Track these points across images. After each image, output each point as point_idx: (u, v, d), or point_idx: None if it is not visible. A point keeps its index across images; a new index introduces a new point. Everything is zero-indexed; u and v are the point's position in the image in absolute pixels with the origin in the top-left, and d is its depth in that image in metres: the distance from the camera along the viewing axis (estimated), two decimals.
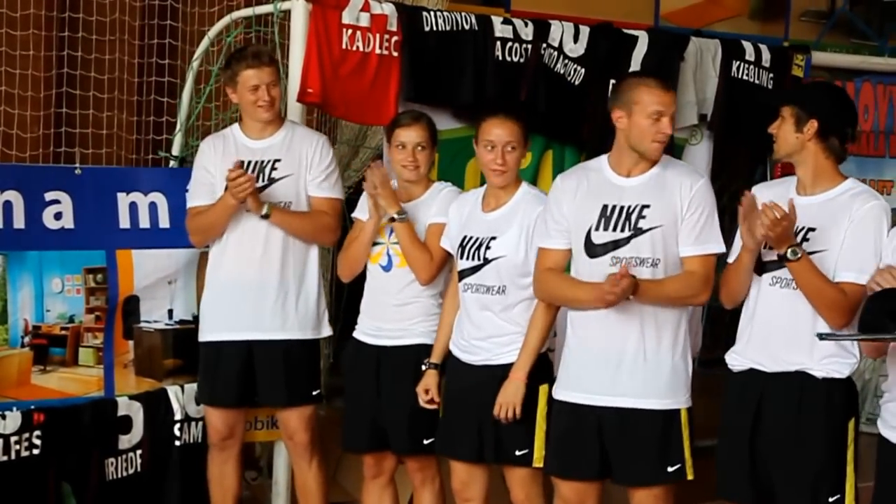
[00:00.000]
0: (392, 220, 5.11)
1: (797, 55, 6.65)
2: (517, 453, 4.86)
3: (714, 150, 6.41)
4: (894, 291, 4.09)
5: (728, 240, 4.70)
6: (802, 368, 4.46)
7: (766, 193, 4.58)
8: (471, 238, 4.94)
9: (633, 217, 4.54)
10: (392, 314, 5.20)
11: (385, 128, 5.41)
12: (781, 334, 4.48)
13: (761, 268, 4.53)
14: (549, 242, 4.68)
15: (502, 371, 4.86)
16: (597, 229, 4.57)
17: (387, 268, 5.21)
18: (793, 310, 4.44)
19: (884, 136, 7.01)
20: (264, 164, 5.40)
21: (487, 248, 4.88)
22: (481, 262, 4.89)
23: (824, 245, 4.42)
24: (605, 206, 4.57)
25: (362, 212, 5.30)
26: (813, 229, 4.45)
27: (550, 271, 4.64)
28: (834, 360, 4.44)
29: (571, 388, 4.66)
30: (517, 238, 4.85)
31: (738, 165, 6.58)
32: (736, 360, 4.63)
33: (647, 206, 4.54)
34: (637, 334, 4.56)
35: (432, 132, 5.23)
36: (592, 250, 4.58)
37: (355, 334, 5.32)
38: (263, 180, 5.37)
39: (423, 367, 5.11)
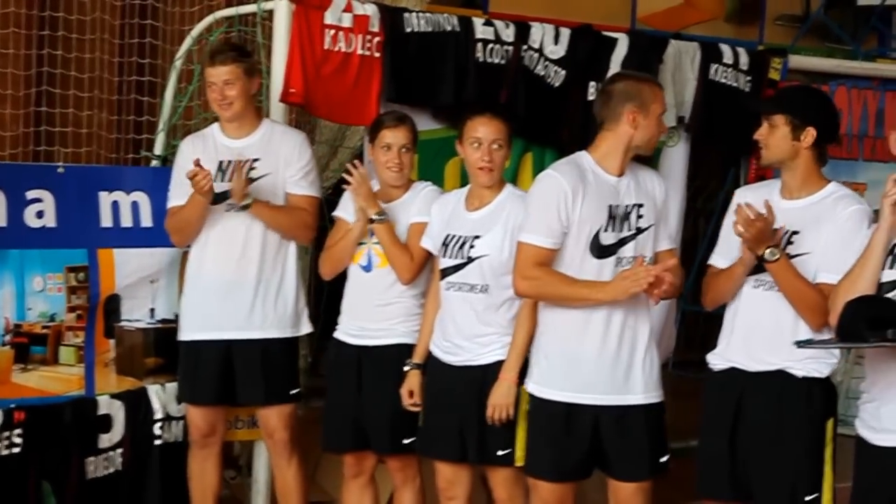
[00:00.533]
0: (371, 220, 5.14)
1: (774, 58, 6.71)
2: (499, 453, 4.88)
3: (691, 152, 6.46)
4: (872, 298, 4.15)
5: (702, 242, 4.77)
6: (783, 367, 4.51)
7: (750, 197, 4.64)
8: (454, 237, 4.97)
9: (633, 217, 4.61)
10: (373, 314, 5.23)
11: (368, 129, 5.44)
12: (763, 335, 4.54)
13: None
14: (543, 241, 4.58)
15: (483, 372, 4.90)
16: (605, 230, 4.59)
17: (367, 268, 5.24)
18: (774, 311, 4.50)
19: (857, 139, 7.08)
20: (242, 163, 5.42)
21: (471, 246, 4.91)
22: (465, 260, 4.92)
23: (808, 248, 4.48)
24: (611, 207, 4.60)
25: (344, 211, 5.33)
26: (797, 232, 4.50)
27: (544, 269, 4.59)
28: (815, 360, 4.50)
29: (555, 386, 4.66)
30: (501, 237, 4.87)
31: (714, 167, 6.63)
32: (716, 359, 4.68)
33: (641, 206, 4.63)
34: (620, 332, 4.61)
35: (415, 134, 5.28)
36: (601, 251, 4.60)
37: (336, 334, 5.35)
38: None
39: (406, 368, 5.13)
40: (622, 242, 4.59)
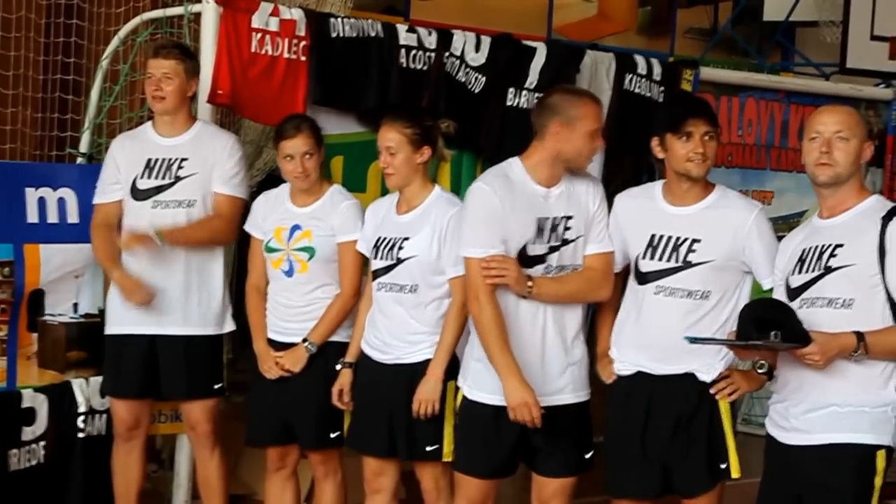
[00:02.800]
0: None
1: (686, 70, 6.84)
2: (428, 449, 4.98)
3: (606, 159, 6.62)
4: (766, 300, 4.31)
5: None
6: (690, 370, 4.66)
7: (630, 204, 4.83)
8: (385, 239, 5.07)
9: (560, 228, 4.71)
10: (296, 315, 5.32)
11: (273, 138, 5.52)
12: (666, 341, 4.64)
13: (642, 277, 4.72)
14: (485, 252, 4.63)
15: (412, 369, 4.98)
16: (533, 243, 4.68)
17: (289, 273, 5.32)
18: (675, 318, 4.62)
19: (765, 149, 7.25)
20: (171, 161, 5.51)
21: (400, 248, 5.00)
22: (394, 262, 5.01)
23: (712, 255, 4.61)
24: (539, 220, 4.68)
25: (253, 226, 5.44)
26: (698, 240, 4.63)
27: (492, 307, 4.59)
28: (722, 363, 4.67)
29: (485, 389, 4.72)
30: (429, 239, 4.96)
31: (628, 174, 6.80)
32: (621, 364, 4.79)
33: (570, 217, 4.72)
34: (551, 333, 4.72)
35: (317, 137, 5.35)
36: (528, 261, 4.68)
37: None
38: (170, 178, 5.49)
39: (338, 367, 5.23)
40: (551, 251, 4.70)
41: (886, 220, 4.21)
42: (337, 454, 5.40)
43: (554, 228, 4.70)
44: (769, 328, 4.10)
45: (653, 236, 4.70)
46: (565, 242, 4.72)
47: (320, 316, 5.28)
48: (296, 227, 5.30)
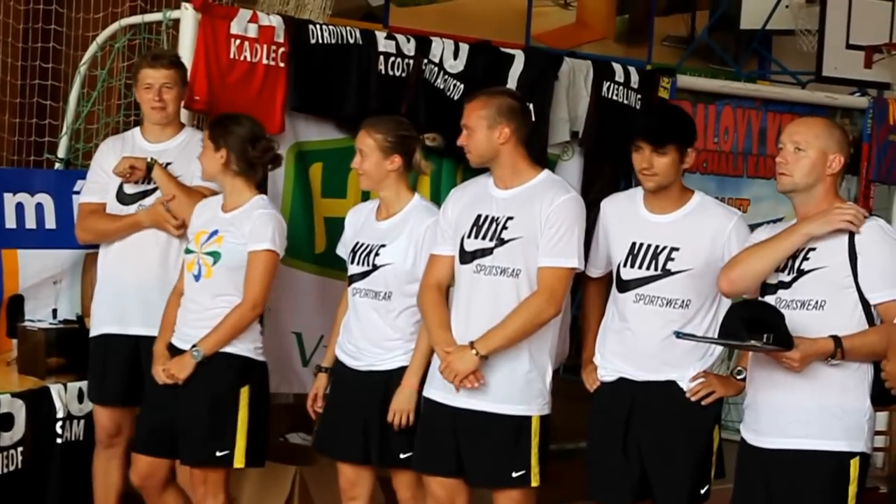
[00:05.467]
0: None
1: (663, 78, 6.87)
2: (402, 456, 4.98)
3: (584, 166, 6.66)
4: (755, 301, 4.34)
5: (588, 253, 4.94)
6: (672, 378, 4.70)
7: (614, 209, 4.89)
8: (362, 245, 5.09)
9: (497, 228, 4.75)
10: (197, 322, 5.13)
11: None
12: (646, 349, 4.70)
13: (623, 285, 4.76)
14: (437, 249, 4.92)
15: (386, 376, 5.00)
16: (469, 237, 4.77)
17: (197, 277, 5.15)
18: (655, 327, 4.67)
19: (742, 156, 7.29)
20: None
21: (377, 254, 5.03)
22: (370, 268, 5.03)
23: (690, 264, 4.65)
24: (479, 217, 4.79)
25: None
26: (676, 249, 4.68)
27: (439, 295, 4.87)
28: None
29: (433, 385, 4.83)
30: (405, 247, 5.00)
31: (606, 181, 6.83)
32: (604, 370, 4.83)
33: (511, 219, 4.75)
34: None
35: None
36: (464, 257, 4.79)
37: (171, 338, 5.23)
38: (153, 182, 5.48)
39: (315, 371, 5.24)
40: (483, 252, 4.75)
41: None
42: (222, 476, 5.15)
43: (491, 225, 4.75)
44: (760, 329, 4.13)
45: (633, 244, 4.73)
46: (502, 242, 4.74)
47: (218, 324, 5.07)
48: (214, 232, 5.16)
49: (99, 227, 5.56)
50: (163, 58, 5.53)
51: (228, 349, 5.06)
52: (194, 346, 5.03)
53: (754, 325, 4.15)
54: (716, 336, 4.51)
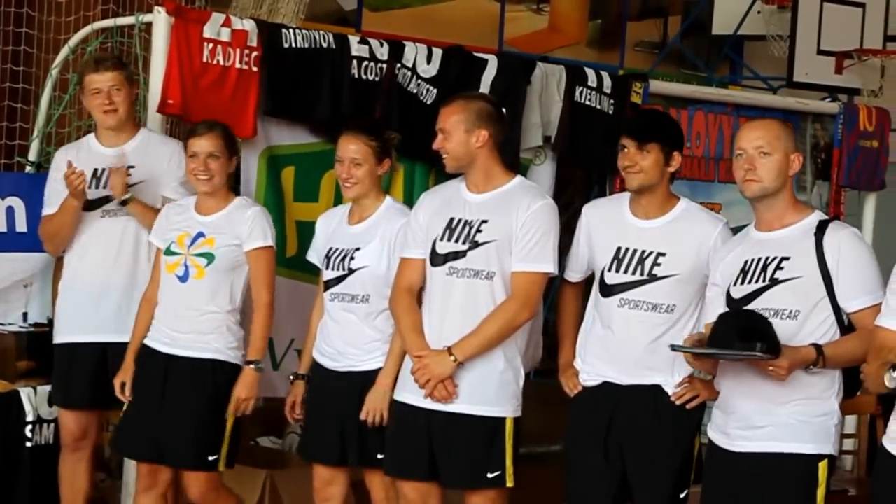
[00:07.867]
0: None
1: (636, 83, 6.89)
2: (379, 457, 4.97)
3: (557, 170, 6.68)
4: (745, 311, 4.32)
5: (563, 258, 4.95)
6: (657, 382, 4.71)
7: (598, 214, 4.89)
8: (336, 250, 5.09)
9: (471, 231, 4.76)
10: (185, 325, 5.13)
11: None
12: (631, 353, 4.70)
13: (608, 290, 4.76)
14: (408, 253, 4.93)
15: (365, 377, 5.00)
16: (441, 240, 4.78)
17: (183, 278, 5.15)
18: (639, 331, 4.68)
19: (714, 161, 7.30)
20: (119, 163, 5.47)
21: (352, 258, 5.03)
22: (346, 272, 5.04)
23: (678, 269, 4.66)
24: (451, 220, 4.80)
25: (155, 236, 5.29)
26: (663, 254, 4.68)
27: (409, 298, 4.86)
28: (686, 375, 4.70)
29: (406, 389, 4.83)
30: (380, 249, 5.01)
31: (579, 185, 6.85)
32: (587, 375, 4.82)
33: (486, 222, 4.75)
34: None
35: (228, 142, 5.25)
36: (436, 259, 4.79)
37: (147, 340, 5.23)
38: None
39: (291, 378, 5.24)
40: (456, 254, 4.75)
41: (819, 234, 4.30)
42: (215, 480, 5.19)
43: (465, 228, 4.76)
44: (751, 338, 4.13)
45: (618, 249, 4.75)
46: (475, 245, 4.75)
47: (209, 328, 5.11)
48: (199, 235, 5.16)
49: (46, 230, 5.55)
50: (106, 61, 5.51)
51: (219, 356, 5.11)
52: (250, 361, 5.11)
53: (745, 334, 4.15)
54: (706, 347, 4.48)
